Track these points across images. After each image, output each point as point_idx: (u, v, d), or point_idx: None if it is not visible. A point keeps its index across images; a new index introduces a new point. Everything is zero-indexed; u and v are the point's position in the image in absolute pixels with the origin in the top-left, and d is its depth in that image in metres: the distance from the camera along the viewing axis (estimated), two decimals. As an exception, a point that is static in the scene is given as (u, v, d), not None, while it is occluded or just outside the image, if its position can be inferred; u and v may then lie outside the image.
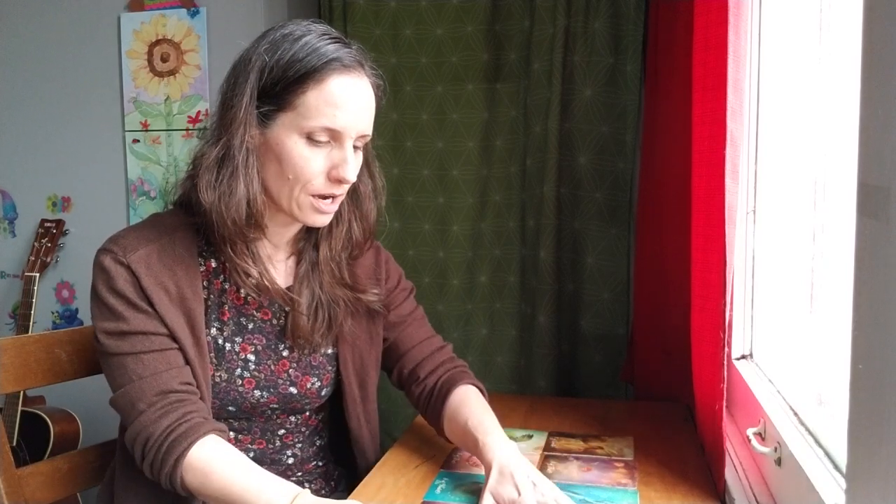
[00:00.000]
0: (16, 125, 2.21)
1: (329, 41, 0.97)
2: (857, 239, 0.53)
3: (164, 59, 2.07)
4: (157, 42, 2.07)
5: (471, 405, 1.10)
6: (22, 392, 1.97)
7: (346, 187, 1.01)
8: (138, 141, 2.11)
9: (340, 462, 1.25)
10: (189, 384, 0.98)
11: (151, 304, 0.97)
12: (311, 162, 0.96)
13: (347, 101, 0.95)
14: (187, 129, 2.07)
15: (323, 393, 1.12)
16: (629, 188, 1.73)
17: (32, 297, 2.04)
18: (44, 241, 2.11)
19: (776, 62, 1.16)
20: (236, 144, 0.95)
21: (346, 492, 1.19)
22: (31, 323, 2.02)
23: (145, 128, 2.11)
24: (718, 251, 0.96)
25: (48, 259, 2.09)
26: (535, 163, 1.78)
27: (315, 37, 0.97)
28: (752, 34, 1.18)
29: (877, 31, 0.50)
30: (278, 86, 0.95)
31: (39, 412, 1.99)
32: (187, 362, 0.99)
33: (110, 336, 0.97)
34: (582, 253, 1.77)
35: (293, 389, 1.09)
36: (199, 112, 2.06)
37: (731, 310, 1.00)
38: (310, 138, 0.95)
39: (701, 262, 1.04)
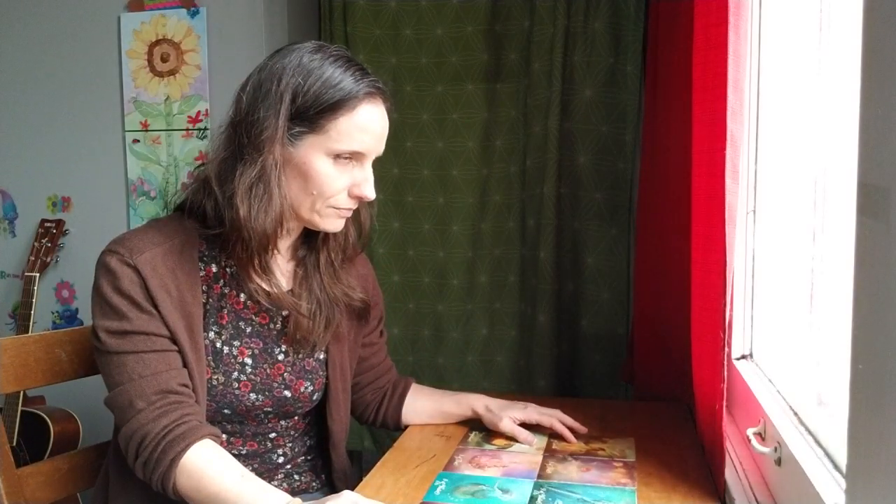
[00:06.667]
0: (16, 125, 2.21)
1: (355, 69, 1.02)
2: (857, 239, 0.53)
3: (164, 59, 2.07)
4: (157, 42, 2.07)
5: (432, 389, 1.35)
6: (22, 392, 1.97)
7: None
8: (138, 141, 2.11)
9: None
10: (186, 386, 0.99)
11: (156, 306, 0.99)
12: (336, 180, 1.02)
13: (373, 127, 1.03)
14: (187, 129, 2.07)
15: (315, 397, 1.15)
16: (629, 188, 1.73)
17: (32, 297, 2.04)
18: (44, 241, 2.11)
19: (776, 62, 1.16)
20: (270, 164, 0.99)
21: (335, 486, 1.21)
22: (31, 323, 2.02)
23: (145, 128, 2.11)
24: (718, 251, 0.96)
25: (48, 259, 2.09)
26: (535, 163, 1.78)
27: (342, 64, 1.01)
28: (752, 34, 1.18)
29: (877, 31, 0.50)
30: (311, 110, 0.98)
31: (39, 412, 2.00)
32: (185, 365, 1.00)
33: (112, 335, 0.98)
34: (582, 253, 1.77)
35: (287, 393, 1.10)
36: (198, 112, 2.06)
37: (731, 310, 0.99)
38: (336, 158, 1.01)
39: (701, 262, 1.04)
